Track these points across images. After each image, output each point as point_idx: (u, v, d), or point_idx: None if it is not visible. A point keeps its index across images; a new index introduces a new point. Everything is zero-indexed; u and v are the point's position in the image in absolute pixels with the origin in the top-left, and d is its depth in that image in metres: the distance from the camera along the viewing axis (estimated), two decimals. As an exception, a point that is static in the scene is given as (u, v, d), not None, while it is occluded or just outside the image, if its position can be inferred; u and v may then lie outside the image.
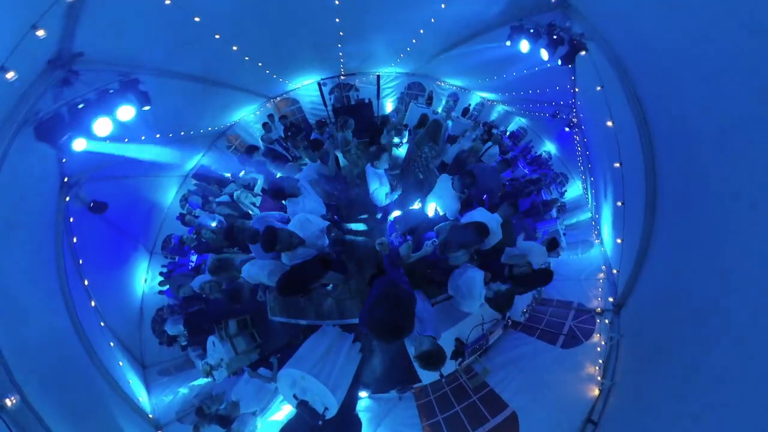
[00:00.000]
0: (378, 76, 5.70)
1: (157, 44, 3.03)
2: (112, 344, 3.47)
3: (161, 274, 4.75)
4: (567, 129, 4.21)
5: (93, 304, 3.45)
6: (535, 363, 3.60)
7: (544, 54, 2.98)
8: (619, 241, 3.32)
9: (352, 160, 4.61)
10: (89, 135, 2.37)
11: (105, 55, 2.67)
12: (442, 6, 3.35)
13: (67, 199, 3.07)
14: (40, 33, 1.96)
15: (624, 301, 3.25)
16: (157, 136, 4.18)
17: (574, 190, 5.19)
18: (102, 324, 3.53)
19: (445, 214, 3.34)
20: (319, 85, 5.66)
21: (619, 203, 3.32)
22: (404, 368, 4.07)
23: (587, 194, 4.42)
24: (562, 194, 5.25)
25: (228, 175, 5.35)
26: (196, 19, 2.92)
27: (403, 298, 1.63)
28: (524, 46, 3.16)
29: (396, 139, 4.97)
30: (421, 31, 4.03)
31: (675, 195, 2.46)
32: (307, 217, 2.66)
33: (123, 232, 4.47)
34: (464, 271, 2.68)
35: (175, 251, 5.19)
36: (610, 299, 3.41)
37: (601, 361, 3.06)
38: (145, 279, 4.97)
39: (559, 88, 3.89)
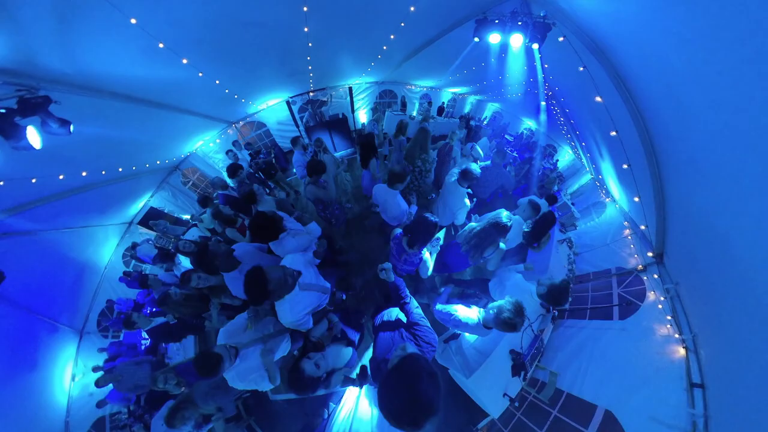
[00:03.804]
0: (350, 89, 5.98)
1: (80, 52, 2.41)
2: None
3: (96, 369, 3.54)
4: (543, 103, 4.86)
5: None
6: (601, 346, 3.44)
7: (517, 40, 3.46)
8: (636, 199, 3.60)
9: (342, 186, 4.50)
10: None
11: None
12: (411, 9, 3.69)
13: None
14: None
15: (662, 248, 3.43)
16: (84, 174, 3.59)
17: (565, 156, 5.78)
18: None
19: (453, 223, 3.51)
20: (288, 104, 5.68)
21: (625, 166, 3.60)
22: (462, 408, 3.54)
23: (581, 158, 4.93)
24: (554, 164, 5.81)
25: (187, 217, 4.69)
26: (132, 21, 2.32)
27: (424, 372, 1.19)
28: (494, 38, 3.66)
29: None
30: (392, 37, 4.37)
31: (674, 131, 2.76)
32: (306, 259, 2.37)
33: (31, 311, 3.42)
34: (502, 279, 2.91)
35: (118, 324, 4.06)
36: (649, 254, 3.54)
37: (669, 317, 3.05)
38: (73, 376, 3.72)
39: (526, 67, 4.53)
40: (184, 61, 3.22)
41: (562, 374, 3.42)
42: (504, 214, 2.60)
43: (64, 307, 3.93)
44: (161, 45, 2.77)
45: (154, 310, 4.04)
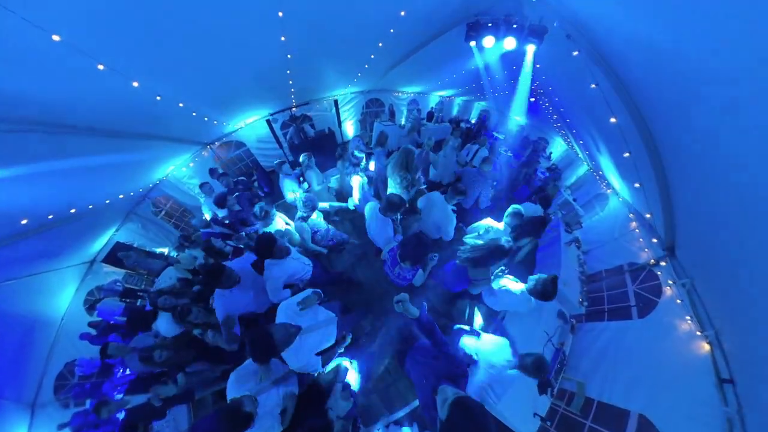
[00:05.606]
0: (336, 101, 5.80)
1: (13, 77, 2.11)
2: None
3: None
4: (532, 99, 4.99)
5: None
6: (624, 348, 3.54)
7: (510, 43, 3.52)
8: (637, 185, 3.73)
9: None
10: None
11: None
12: (402, 13, 3.64)
13: None
14: None
15: (673, 240, 3.57)
16: (24, 222, 3.19)
17: (557, 148, 5.98)
18: None
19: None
20: (269, 122, 5.41)
21: (626, 154, 3.68)
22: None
23: (574, 148, 5.07)
24: (548, 158, 6.00)
25: (163, 250, 4.32)
26: (55, 38, 2.00)
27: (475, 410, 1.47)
28: (488, 41, 3.71)
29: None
30: (380, 45, 4.31)
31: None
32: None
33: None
34: (493, 291, 3.11)
35: (80, 394, 3.59)
36: (662, 263, 3.63)
37: (688, 318, 3.15)
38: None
39: (516, 67, 4.61)
40: (135, 84, 2.89)
41: (589, 382, 3.47)
42: (504, 239, 2.86)
43: (8, 378, 3.38)
44: (101, 66, 2.44)
45: (125, 372, 3.64)
